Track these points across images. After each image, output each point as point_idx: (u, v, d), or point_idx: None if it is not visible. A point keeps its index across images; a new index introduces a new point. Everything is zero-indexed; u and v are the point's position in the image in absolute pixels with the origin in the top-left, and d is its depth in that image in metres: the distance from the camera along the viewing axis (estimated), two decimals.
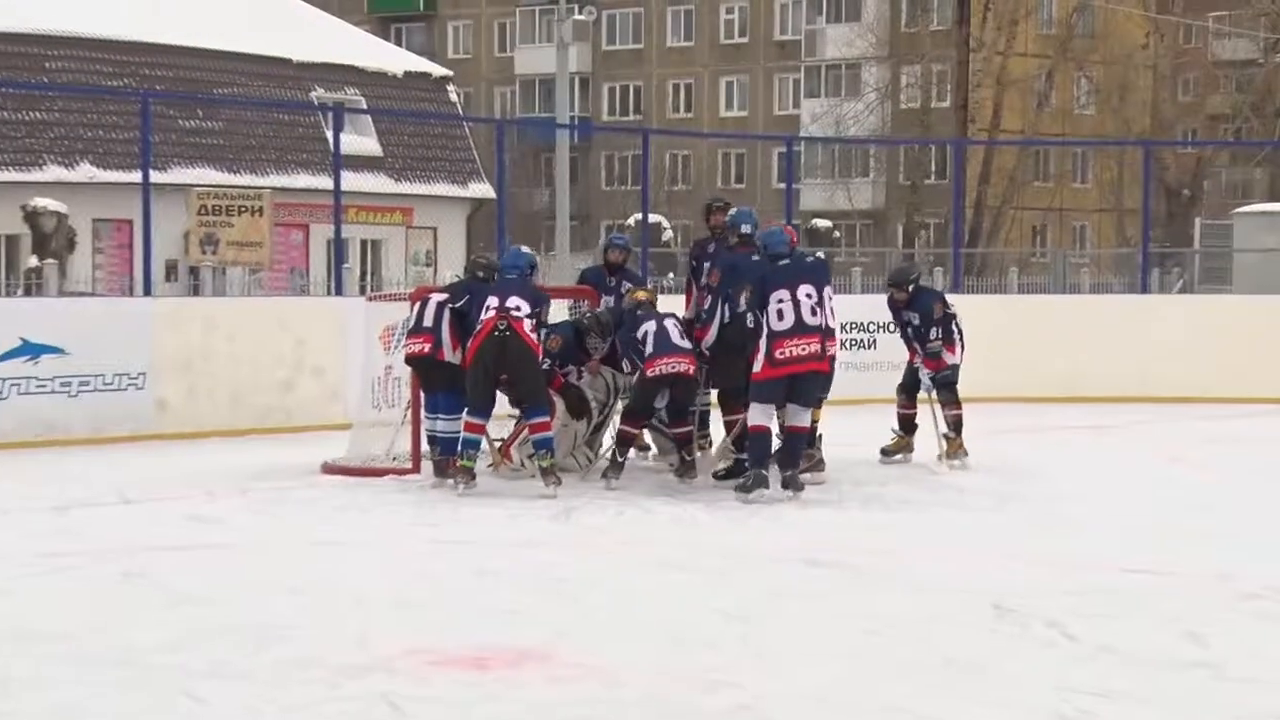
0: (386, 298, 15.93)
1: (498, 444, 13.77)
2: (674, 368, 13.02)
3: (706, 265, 13.79)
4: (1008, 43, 45.61)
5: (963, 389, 14.65)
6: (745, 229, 13.41)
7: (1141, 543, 10.94)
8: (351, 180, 28.64)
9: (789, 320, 12.43)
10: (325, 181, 33.98)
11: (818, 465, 13.43)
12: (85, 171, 35.11)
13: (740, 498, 12.35)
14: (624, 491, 12.82)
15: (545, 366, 13.38)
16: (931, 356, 14.43)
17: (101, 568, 9.80)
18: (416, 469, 13.71)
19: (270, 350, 17.14)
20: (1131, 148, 44.87)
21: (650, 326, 13.14)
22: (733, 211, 13.69)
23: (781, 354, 12.42)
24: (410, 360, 13.54)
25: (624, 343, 13.45)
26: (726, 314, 13.04)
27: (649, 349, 13.02)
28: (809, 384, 12.62)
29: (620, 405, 13.84)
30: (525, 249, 14.14)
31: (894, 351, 16.29)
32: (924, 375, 14.53)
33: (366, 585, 9.29)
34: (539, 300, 12.99)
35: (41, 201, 31.03)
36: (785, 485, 12.57)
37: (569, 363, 13.84)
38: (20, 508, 12.09)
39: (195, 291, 24.75)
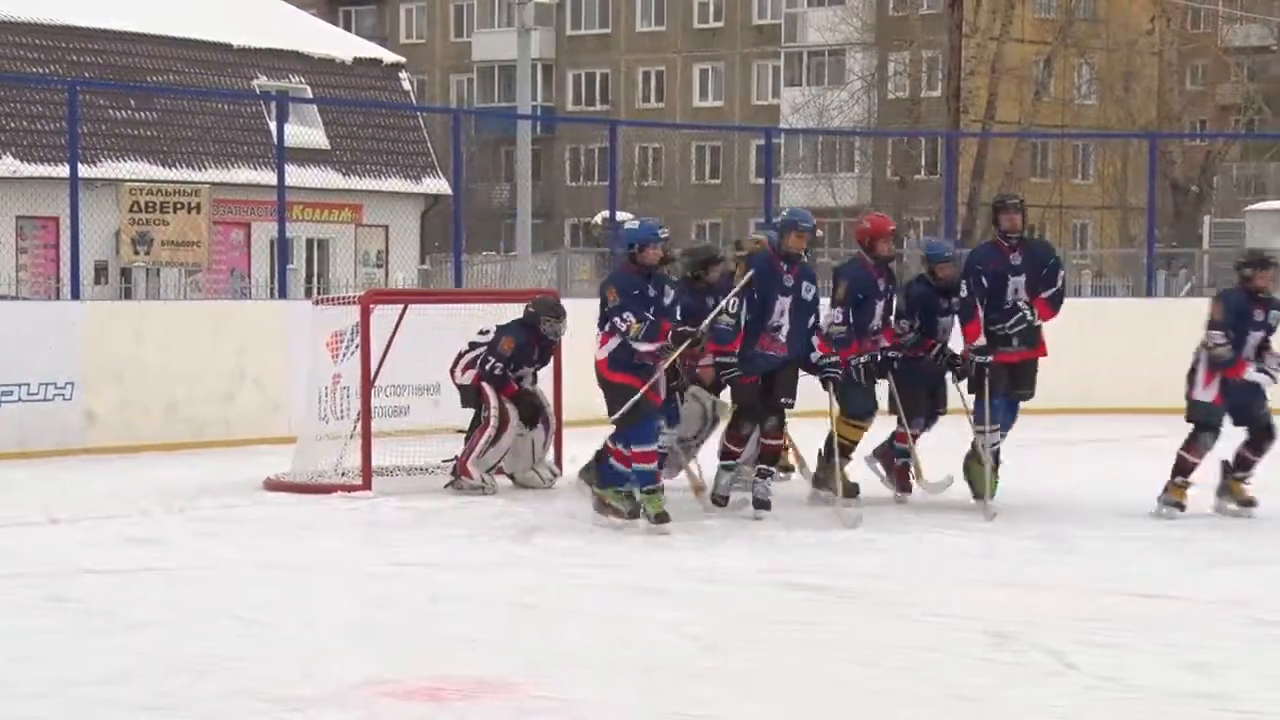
0: (334, 301, 15.92)
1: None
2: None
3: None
4: (1003, 27, 45.62)
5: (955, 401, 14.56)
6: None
7: (1150, 567, 10.97)
8: (296, 175, 28.52)
9: None
10: (268, 176, 33.71)
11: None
12: (8, 165, 34.99)
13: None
14: (590, 511, 12.69)
15: (497, 373, 13.53)
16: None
17: (27, 593, 9.78)
18: (367, 486, 13.71)
19: (208, 358, 17.10)
20: (1136, 140, 45.05)
21: (785, 304, 12.53)
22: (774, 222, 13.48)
23: None
24: None
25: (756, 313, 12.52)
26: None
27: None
28: None
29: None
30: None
31: None
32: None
33: (315, 611, 9.29)
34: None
35: None
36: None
37: (523, 365, 13.84)
38: None
39: (127, 295, 24.82)
